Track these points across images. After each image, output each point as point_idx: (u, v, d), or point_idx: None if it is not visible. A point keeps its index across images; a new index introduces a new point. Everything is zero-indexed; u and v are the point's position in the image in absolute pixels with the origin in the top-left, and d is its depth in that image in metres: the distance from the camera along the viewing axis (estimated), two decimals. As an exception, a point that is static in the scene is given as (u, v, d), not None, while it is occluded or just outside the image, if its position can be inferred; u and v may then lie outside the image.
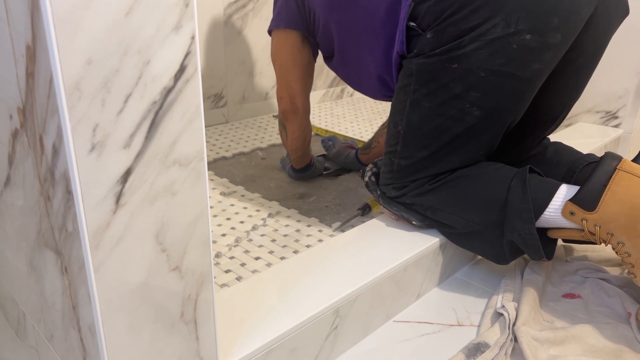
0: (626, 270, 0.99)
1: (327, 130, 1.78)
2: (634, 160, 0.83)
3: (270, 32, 1.19)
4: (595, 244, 0.82)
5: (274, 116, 1.94)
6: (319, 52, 1.16)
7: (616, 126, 1.61)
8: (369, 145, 1.36)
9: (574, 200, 0.79)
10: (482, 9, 0.77)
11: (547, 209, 0.81)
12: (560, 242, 1.06)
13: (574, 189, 0.81)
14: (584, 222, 0.79)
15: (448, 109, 0.84)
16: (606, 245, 0.81)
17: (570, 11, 0.79)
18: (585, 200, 0.79)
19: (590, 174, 0.80)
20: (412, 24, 0.84)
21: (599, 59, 0.93)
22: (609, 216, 0.77)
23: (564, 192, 0.82)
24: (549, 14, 0.77)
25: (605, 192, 0.78)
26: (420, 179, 0.91)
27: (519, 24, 0.76)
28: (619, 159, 0.81)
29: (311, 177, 1.36)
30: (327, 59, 1.12)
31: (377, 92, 1.04)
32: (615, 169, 0.79)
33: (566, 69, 0.88)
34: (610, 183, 0.78)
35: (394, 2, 0.88)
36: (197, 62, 0.47)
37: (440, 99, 0.84)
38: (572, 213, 0.80)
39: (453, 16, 0.79)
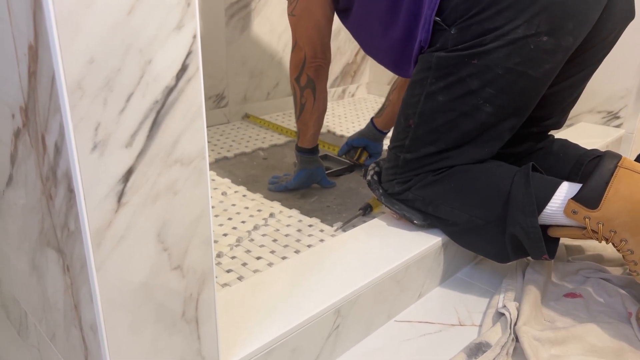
0: (628, 270, 0.99)
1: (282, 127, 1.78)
2: (635, 161, 0.83)
3: None
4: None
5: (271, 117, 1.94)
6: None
7: (618, 126, 1.61)
8: (381, 107, 1.41)
9: (576, 198, 0.80)
10: (508, 11, 0.80)
11: (548, 205, 0.82)
12: (561, 242, 1.06)
13: (576, 186, 0.82)
14: (587, 220, 0.79)
15: (461, 105, 0.86)
16: (608, 243, 0.81)
17: (585, 16, 0.82)
18: (588, 199, 0.79)
19: (591, 172, 0.81)
20: (437, 18, 0.86)
21: (602, 57, 0.95)
22: (612, 213, 0.78)
23: (566, 189, 0.82)
24: (567, 18, 0.80)
25: (607, 189, 0.79)
26: (424, 172, 0.92)
27: (540, 26, 0.80)
28: (619, 157, 0.82)
29: (310, 179, 1.29)
30: (342, 12, 1.13)
31: (386, 60, 1.07)
32: (616, 166, 0.80)
33: (570, 63, 0.90)
34: (612, 181, 0.79)
35: None
36: (199, 61, 0.47)
37: (455, 93, 0.86)
38: (574, 212, 0.80)
39: (479, 15, 0.82)
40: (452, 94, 0.86)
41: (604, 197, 0.78)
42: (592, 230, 0.80)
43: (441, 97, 0.87)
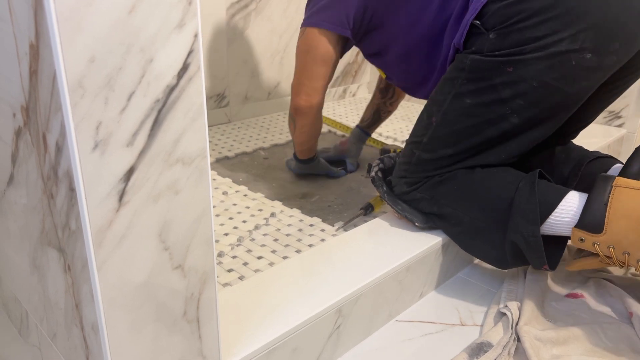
0: (631, 270, 0.99)
1: (335, 121, 1.79)
2: (629, 159, 0.81)
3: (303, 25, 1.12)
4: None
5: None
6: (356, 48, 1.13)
7: (619, 126, 1.61)
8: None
9: (579, 226, 0.77)
10: (553, 21, 0.76)
11: (553, 214, 0.79)
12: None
13: (582, 196, 0.80)
14: (597, 246, 0.77)
15: (488, 112, 0.84)
16: (627, 267, 0.77)
17: (632, 37, 0.79)
18: (591, 224, 0.77)
19: (587, 198, 0.79)
20: (477, 22, 0.84)
21: (636, 78, 0.92)
22: (618, 234, 0.75)
23: (573, 199, 0.80)
24: (613, 37, 0.77)
25: (607, 211, 0.76)
26: (434, 175, 0.91)
27: (585, 42, 0.76)
28: (612, 177, 0.79)
29: (315, 172, 1.34)
30: (373, 56, 1.09)
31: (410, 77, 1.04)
32: (611, 187, 0.77)
33: (606, 86, 0.87)
34: (610, 201, 0.76)
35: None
36: (200, 60, 0.47)
37: (484, 99, 0.84)
38: (581, 240, 0.78)
39: (521, 22, 0.79)
40: (480, 98, 0.84)
41: (606, 219, 0.76)
42: (606, 256, 0.78)
43: (469, 99, 0.85)
